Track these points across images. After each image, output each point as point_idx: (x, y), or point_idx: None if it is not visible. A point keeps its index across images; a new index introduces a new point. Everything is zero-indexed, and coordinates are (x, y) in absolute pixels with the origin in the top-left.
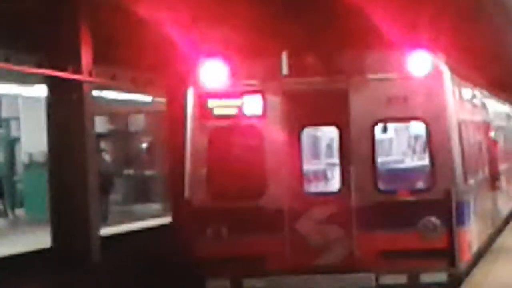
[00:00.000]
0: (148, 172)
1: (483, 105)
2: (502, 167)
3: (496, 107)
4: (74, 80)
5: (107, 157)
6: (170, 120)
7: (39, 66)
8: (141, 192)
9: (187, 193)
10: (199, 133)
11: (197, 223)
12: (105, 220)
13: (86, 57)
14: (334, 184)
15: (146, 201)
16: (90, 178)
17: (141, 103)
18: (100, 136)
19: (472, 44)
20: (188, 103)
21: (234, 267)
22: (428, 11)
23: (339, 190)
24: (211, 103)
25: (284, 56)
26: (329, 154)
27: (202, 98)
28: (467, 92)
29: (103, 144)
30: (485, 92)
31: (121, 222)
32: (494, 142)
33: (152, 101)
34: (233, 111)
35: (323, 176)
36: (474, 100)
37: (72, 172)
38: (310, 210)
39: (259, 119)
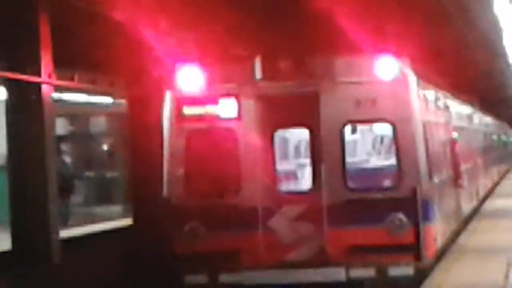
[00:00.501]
0: (109, 174)
1: (446, 107)
2: (463, 166)
3: (457, 108)
4: (33, 82)
5: (67, 159)
6: (131, 122)
7: None
8: (102, 194)
9: (165, 191)
10: (177, 135)
11: (175, 221)
12: (65, 222)
13: (45, 59)
14: (305, 183)
15: (107, 203)
16: (50, 180)
17: (102, 105)
18: (61, 138)
19: (436, 48)
20: (165, 107)
21: (210, 263)
22: (394, 17)
23: (310, 189)
24: (187, 106)
25: (258, 61)
26: (298, 155)
27: (179, 101)
28: (431, 95)
29: (63, 146)
30: (448, 94)
31: (82, 224)
32: (456, 142)
33: (113, 103)
34: (209, 114)
35: (293, 176)
36: (438, 103)
37: (32, 175)
38: (283, 208)
39: (234, 121)
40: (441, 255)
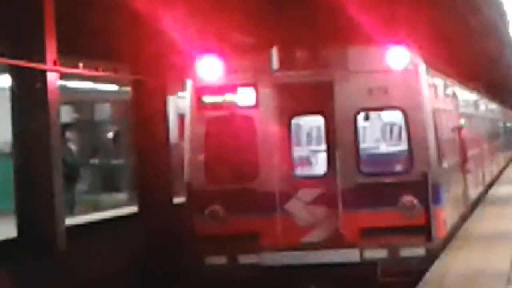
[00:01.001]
0: (114, 162)
1: (454, 95)
2: (470, 152)
3: (464, 96)
4: (38, 69)
5: (72, 146)
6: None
7: (2, 55)
8: (107, 181)
9: (186, 177)
10: (197, 123)
11: (196, 204)
12: (71, 210)
13: (50, 46)
14: (320, 168)
15: (112, 190)
16: (55, 168)
17: (107, 93)
18: (66, 125)
19: (442, 35)
20: (187, 96)
21: (230, 245)
22: (402, 5)
23: (325, 174)
24: (208, 95)
25: (274, 52)
26: (311, 142)
27: (200, 91)
28: (439, 83)
29: (68, 134)
30: (455, 82)
31: (87, 211)
32: (463, 129)
33: (118, 90)
34: (228, 103)
35: (307, 161)
36: (446, 90)
37: (37, 162)
38: (299, 192)
39: (252, 109)
40: (450, 237)
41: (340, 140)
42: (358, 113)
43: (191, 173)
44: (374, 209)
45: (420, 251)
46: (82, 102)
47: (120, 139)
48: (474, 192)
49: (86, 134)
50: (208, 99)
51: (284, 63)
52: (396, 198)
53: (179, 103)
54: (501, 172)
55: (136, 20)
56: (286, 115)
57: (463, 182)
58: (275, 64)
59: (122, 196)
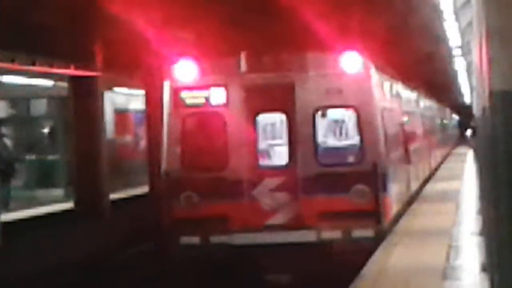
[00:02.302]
0: (50, 157)
1: (398, 94)
2: (412, 146)
3: (406, 95)
4: None
5: (8, 142)
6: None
7: None
8: (43, 177)
9: (164, 166)
10: (174, 119)
11: (173, 191)
12: (6, 206)
13: None
14: (282, 159)
15: (48, 186)
16: None
17: (42, 88)
18: (1, 121)
19: (380, 37)
20: (165, 95)
21: (202, 226)
22: (353, 17)
23: (287, 164)
24: (183, 94)
25: (242, 56)
26: (271, 136)
27: (177, 90)
28: (386, 84)
29: (4, 129)
30: (399, 82)
31: (23, 207)
32: (406, 125)
33: (54, 85)
34: (201, 101)
35: (268, 153)
36: (391, 91)
37: None
38: (264, 180)
39: (222, 107)
40: (395, 220)
41: (300, 135)
42: (316, 111)
43: (168, 163)
44: (330, 196)
45: (370, 232)
46: (18, 98)
47: (56, 134)
48: (415, 183)
49: (22, 129)
50: (184, 97)
51: (251, 67)
52: (349, 186)
53: (115, 98)
54: (438, 166)
55: (76, 15)
56: (253, 113)
57: (406, 173)
58: (243, 67)
59: (58, 192)
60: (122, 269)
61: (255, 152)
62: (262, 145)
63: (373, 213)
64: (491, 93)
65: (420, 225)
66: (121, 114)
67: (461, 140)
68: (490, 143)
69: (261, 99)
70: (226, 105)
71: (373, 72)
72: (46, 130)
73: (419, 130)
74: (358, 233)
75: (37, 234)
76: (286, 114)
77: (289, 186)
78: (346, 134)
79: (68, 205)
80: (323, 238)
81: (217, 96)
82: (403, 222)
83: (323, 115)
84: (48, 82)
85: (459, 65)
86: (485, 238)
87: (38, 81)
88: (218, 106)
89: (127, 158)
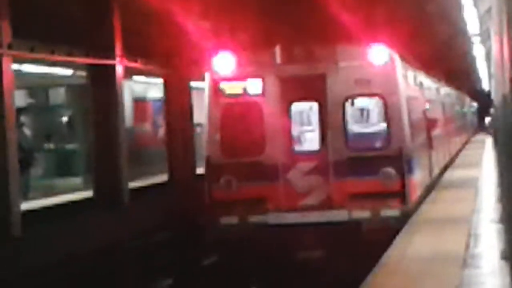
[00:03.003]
0: (69, 146)
1: (420, 83)
2: (434, 132)
3: (428, 83)
4: None
5: (27, 131)
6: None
7: None
8: (62, 166)
9: (206, 152)
10: (214, 108)
11: (213, 175)
12: (26, 195)
13: (5, 30)
14: (314, 144)
15: (67, 175)
16: (10, 153)
17: (61, 77)
18: (20, 110)
19: (404, 27)
20: (206, 86)
21: (241, 207)
22: (380, 10)
23: (319, 149)
24: (223, 85)
25: (277, 49)
26: (304, 123)
27: (216, 82)
28: (410, 74)
29: (23, 118)
30: (421, 72)
31: (42, 196)
32: (429, 111)
33: (73, 74)
34: (239, 91)
35: (301, 139)
36: (415, 80)
37: None
38: (298, 164)
39: (259, 97)
40: (420, 201)
41: (331, 122)
42: (346, 100)
43: (209, 149)
44: (359, 178)
45: (396, 212)
46: (37, 87)
47: (75, 124)
48: (436, 168)
49: (41, 118)
50: (223, 88)
51: (285, 59)
52: (377, 169)
53: (135, 88)
54: (458, 153)
55: (90, 3)
56: (287, 101)
57: (428, 158)
58: (278, 59)
59: (77, 180)
60: (140, 257)
61: (289, 138)
62: (296, 131)
63: (399, 194)
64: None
65: (440, 212)
66: (139, 102)
67: (480, 127)
68: (511, 130)
69: (294, 89)
70: (262, 94)
71: (398, 63)
72: (64, 119)
73: (440, 117)
74: (385, 212)
75: (56, 223)
76: (318, 103)
77: (321, 169)
78: (374, 121)
79: (87, 193)
80: (353, 217)
81: (254, 86)
82: (422, 209)
83: (352, 103)
84: (66, 71)
85: (478, 52)
86: (505, 225)
87: (57, 69)
88: (255, 96)
89: (146, 146)
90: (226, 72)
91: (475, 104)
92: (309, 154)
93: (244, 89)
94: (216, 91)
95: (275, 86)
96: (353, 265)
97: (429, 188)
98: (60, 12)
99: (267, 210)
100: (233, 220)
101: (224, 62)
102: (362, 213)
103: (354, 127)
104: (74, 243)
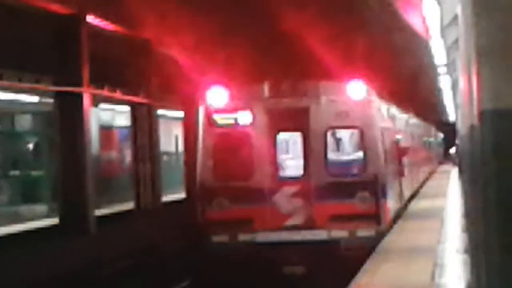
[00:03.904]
0: (35, 173)
1: (392, 116)
2: (404, 161)
3: (399, 115)
4: None
5: None
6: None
7: None
8: (28, 193)
9: (199, 177)
10: (207, 137)
11: (206, 197)
12: None
13: None
14: (298, 171)
15: (33, 202)
16: None
17: (28, 104)
18: None
19: (381, 67)
20: (200, 116)
21: (231, 227)
22: (360, 54)
23: (302, 175)
24: (215, 116)
25: (266, 84)
26: (289, 151)
27: (210, 113)
28: (384, 108)
29: None
30: (393, 106)
31: (6, 223)
32: (400, 141)
33: (40, 101)
34: (231, 121)
35: (286, 166)
36: (388, 113)
37: None
38: (283, 189)
39: (248, 127)
40: (392, 223)
41: (313, 150)
42: (327, 131)
43: (202, 174)
44: (338, 201)
45: (371, 232)
46: (3, 113)
47: (41, 150)
48: (407, 193)
49: (7, 145)
50: (215, 119)
51: (273, 93)
52: (354, 193)
53: (102, 115)
54: (425, 181)
55: (57, 31)
56: (274, 132)
57: (399, 184)
58: (266, 93)
59: (42, 207)
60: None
61: (275, 165)
62: (281, 159)
63: (374, 216)
64: (480, 111)
65: (406, 242)
66: (106, 130)
67: (446, 157)
68: (479, 162)
69: (281, 120)
70: (251, 125)
71: (374, 98)
72: (31, 146)
73: (410, 147)
74: (361, 232)
75: (20, 250)
76: (302, 133)
77: (303, 193)
78: (352, 150)
79: (53, 221)
80: (332, 236)
81: (244, 117)
82: (389, 239)
83: (333, 134)
84: (33, 98)
85: (444, 83)
86: (472, 257)
87: (23, 96)
88: (245, 126)
89: (112, 174)
90: (219, 105)
91: (441, 134)
92: (293, 180)
93: (235, 120)
94: (209, 121)
95: (263, 118)
96: (332, 280)
97: (400, 211)
98: (27, 39)
99: (255, 230)
100: (224, 238)
101: (217, 96)
102: (340, 233)
103: (334, 155)
104: (34, 270)
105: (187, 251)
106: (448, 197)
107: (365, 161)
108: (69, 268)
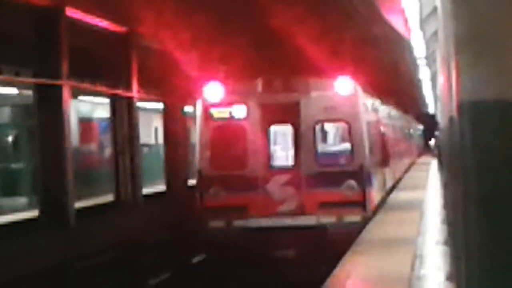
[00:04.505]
0: (14, 166)
1: (376, 109)
2: (387, 152)
3: (382, 109)
4: None
5: None
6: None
7: None
8: (6, 185)
9: (197, 166)
10: (205, 130)
11: (203, 185)
12: None
13: None
14: (289, 161)
15: (12, 194)
16: None
17: (7, 96)
18: None
19: (365, 62)
20: (197, 111)
21: (227, 213)
22: (346, 49)
23: (293, 165)
24: (212, 110)
25: (259, 80)
26: (280, 142)
27: (207, 107)
28: (369, 102)
29: None
30: (376, 99)
31: None
32: (383, 134)
33: (19, 94)
34: (226, 115)
35: (278, 156)
36: (372, 107)
37: None
38: (275, 177)
39: (243, 120)
40: (375, 210)
41: (303, 142)
42: (317, 123)
43: (200, 164)
44: (326, 189)
45: (357, 218)
46: None
47: (21, 143)
48: (390, 182)
49: None
50: (212, 112)
51: (266, 88)
52: (342, 182)
53: (80, 107)
54: (405, 172)
55: (37, 23)
56: (266, 124)
57: (383, 173)
58: (259, 88)
59: (22, 200)
60: (83, 279)
61: (268, 155)
62: (273, 150)
63: (360, 203)
64: (459, 104)
65: (386, 234)
66: (86, 122)
67: (425, 149)
68: (458, 153)
69: (273, 113)
70: (246, 118)
71: (360, 93)
72: (10, 139)
73: (392, 139)
74: (348, 218)
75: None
76: (293, 126)
77: (294, 182)
78: (339, 141)
79: (32, 213)
80: (321, 222)
81: (239, 111)
82: (369, 230)
83: (322, 127)
84: (12, 90)
85: (424, 75)
86: (451, 248)
87: (2, 89)
88: (239, 119)
89: (92, 166)
90: (215, 100)
91: (421, 126)
92: (284, 169)
93: (230, 113)
94: (206, 115)
95: (257, 111)
96: (320, 262)
97: (383, 199)
98: (7, 31)
99: (249, 216)
100: (220, 224)
101: (213, 91)
102: (328, 219)
103: (323, 147)
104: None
105: (167, 244)
106: (428, 189)
107: (351, 152)
108: (49, 262)
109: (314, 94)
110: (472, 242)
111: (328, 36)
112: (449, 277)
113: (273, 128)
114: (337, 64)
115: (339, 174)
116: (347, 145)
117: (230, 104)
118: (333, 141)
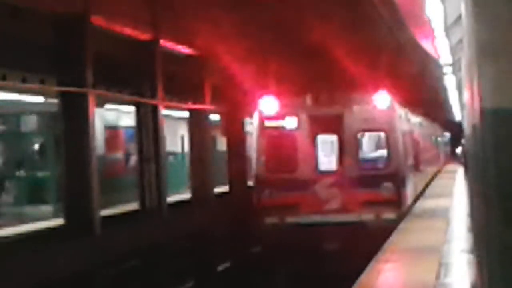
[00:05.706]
0: (40, 174)
1: (409, 120)
2: (418, 158)
3: (414, 119)
4: None
5: None
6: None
7: None
8: (33, 193)
9: (255, 170)
10: (261, 139)
11: (260, 187)
12: None
13: None
14: (334, 165)
15: (38, 202)
16: None
17: (33, 104)
18: None
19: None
20: (254, 122)
21: (280, 211)
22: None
23: (338, 169)
24: (267, 121)
25: (308, 95)
26: (327, 150)
27: (263, 119)
28: (403, 113)
29: None
30: (410, 111)
31: (12, 224)
32: (415, 141)
33: (45, 101)
34: (280, 126)
35: (325, 161)
36: (406, 117)
37: None
38: (322, 180)
39: (294, 130)
40: (410, 208)
41: (347, 149)
42: (358, 133)
43: (257, 168)
44: (366, 190)
45: (393, 215)
46: (8, 114)
47: (46, 151)
48: (420, 185)
49: (12, 146)
50: (268, 123)
51: (314, 102)
52: (380, 184)
53: (106, 115)
54: (433, 178)
55: (62, 31)
56: (314, 134)
57: (415, 177)
58: (309, 102)
59: (48, 208)
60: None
61: (315, 161)
62: (320, 155)
63: (396, 202)
64: (481, 111)
65: (411, 242)
66: (111, 130)
67: (452, 156)
68: (481, 162)
69: (320, 124)
70: (296, 128)
71: (396, 106)
72: (36, 147)
73: (422, 147)
74: (385, 215)
75: (26, 251)
76: (337, 135)
77: (339, 183)
78: (378, 149)
79: (58, 221)
80: (362, 219)
81: (291, 122)
82: (394, 239)
83: (363, 136)
84: (38, 99)
85: (449, 82)
86: (475, 257)
87: (28, 97)
88: (291, 129)
89: (118, 174)
90: (271, 112)
91: (447, 134)
92: (331, 173)
93: (283, 124)
94: (262, 126)
95: (306, 123)
96: (360, 254)
97: (416, 199)
98: (31, 40)
99: (300, 213)
100: (275, 220)
101: (269, 105)
102: (368, 216)
103: (363, 153)
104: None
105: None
106: (454, 197)
107: (388, 158)
108: (75, 269)
109: (356, 107)
110: (494, 249)
111: (366, 51)
112: (474, 286)
113: (320, 137)
114: (373, 78)
115: (378, 177)
116: (384, 152)
117: (283, 116)
118: (372, 148)
